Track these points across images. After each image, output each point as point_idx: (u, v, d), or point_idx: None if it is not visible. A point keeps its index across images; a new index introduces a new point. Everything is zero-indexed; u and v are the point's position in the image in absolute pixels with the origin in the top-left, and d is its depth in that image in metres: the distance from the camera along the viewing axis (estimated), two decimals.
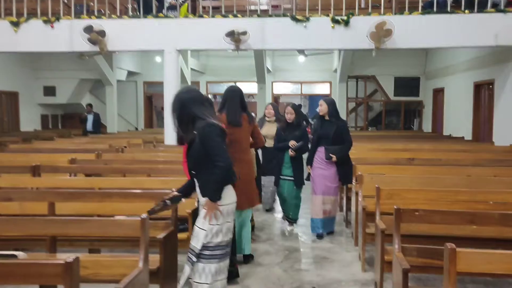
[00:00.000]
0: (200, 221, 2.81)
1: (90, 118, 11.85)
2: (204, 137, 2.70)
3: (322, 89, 15.79)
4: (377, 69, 13.85)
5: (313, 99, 19.99)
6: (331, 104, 5.15)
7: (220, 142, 2.74)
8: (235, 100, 4.01)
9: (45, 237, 3.13)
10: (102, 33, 7.55)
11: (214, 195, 2.75)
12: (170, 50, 7.87)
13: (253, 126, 4.10)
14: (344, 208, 5.99)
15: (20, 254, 2.44)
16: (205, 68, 15.87)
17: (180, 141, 2.84)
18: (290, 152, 5.27)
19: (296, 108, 5.52)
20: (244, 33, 7.54)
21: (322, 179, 5.10)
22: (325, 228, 5.22)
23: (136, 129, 15.50)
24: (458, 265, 2.09)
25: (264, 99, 13.95)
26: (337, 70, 14.08)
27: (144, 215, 2.51)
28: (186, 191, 2.94)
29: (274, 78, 15.52)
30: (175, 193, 2.90)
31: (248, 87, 15.11)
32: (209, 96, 16.12)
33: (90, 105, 12.13)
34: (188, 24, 7.82)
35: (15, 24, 7.77)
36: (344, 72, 13.33)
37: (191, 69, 14.16)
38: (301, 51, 13.38)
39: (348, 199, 5.80)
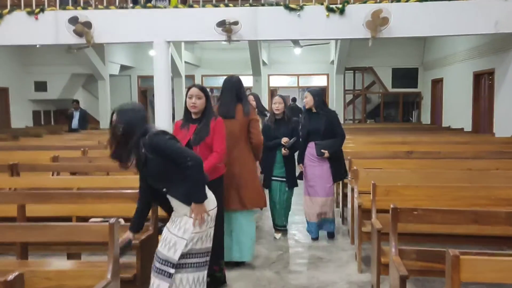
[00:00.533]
0: (181, 230, 2.52)
1: (76, 115, 11.22)
2: (157, 148, 2.39)
3: (319, 81, 15.51)
4: (374, 60, 13.59)
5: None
6: (317, 95, 4.69)
7: (174, 143, 2.47)
8: (229, 90, 3.79)
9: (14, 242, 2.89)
10: (88, 25, 7.27)
11: (200, 196, 2.49)
12: (160, 42, 7.60)
13: (248, 119, 3.75)
14: (341, 205, 5.75)
15: None
16: (200, 61, 15.58)
17: (124, 164, 2.46)
18: (283, 151, 4.72)
19: (285, 99, 4.96)
20: (236, 23, 7.26)
21: (314, 178, 4.65)
22: (321, 229, 4.81)
23: None
24: (462, 273, 1.85)
25: (260, 92, 13.66)
26: (334, 62, 13.80)
27: (113, 219, 2.26)
28: (140, 223, 2.63)
29: (270, 70, 15.24)
30: (126, 237, 2.57)
31: (244, 80, 14.79)
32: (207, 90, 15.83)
33: (76, 102, 11.51)
34: (177, 15, 7.54)
35: None
36: (341, 64, 13.06)
37: (186, 62, 13.86)
38: (296, 42, 13.08)
39: (345, 195, 5.55)
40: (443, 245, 3.75)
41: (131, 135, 2.37)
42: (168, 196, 2.51)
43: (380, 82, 14.01)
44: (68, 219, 3.65)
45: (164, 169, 2.41)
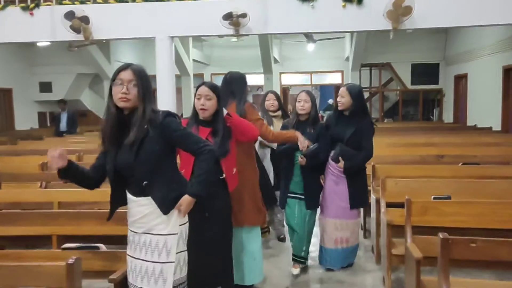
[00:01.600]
0: (163, 253, 2.06)
1: (64, 116, 10.25)
2: (167, 129, 2.10)
3: (334, 78, 14.87)
4: (392, 56, 12.88)
5: (325, 89, 19.09)
6: (358, 97, 3.62)
7: (187, 128, 2.28)
8: (223, 87, 3.26)
9: None
10: (85, 20, 6.75)
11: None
12: (162, 37, 7.05)
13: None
14: (362, 214, 5.13)
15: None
16: (209, 59, 15.05)
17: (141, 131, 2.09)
18: (300, 159, 3.58)
19: (313, 96, 3.79)
20: (244, 15, 6.67)
21: (333, 195, 3.68)
22: (339, 262, 3.82)
23: None
24: None
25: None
26: (349, 58, 13.13)
27: (72, 260, 1.70)
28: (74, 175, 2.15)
29: (282, 68, 14.63)
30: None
31: (255, 79, 14.28)
32: None
33: (63, 102, 10.48)
34: (181, 8, 6.98)
35: None
36: (356, 60, 12.39)
37: (194, 60, 13.34)
38: (310, 37, 12.44)
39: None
40: (498, 274, 3.13)
41: (149, 87, 2.15)
42: (137, 199, 2.13)
43: (399, 79, 13.31)
44: (47, 238, 3.12)
45: (158, 157, 2.10)
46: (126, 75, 2.07)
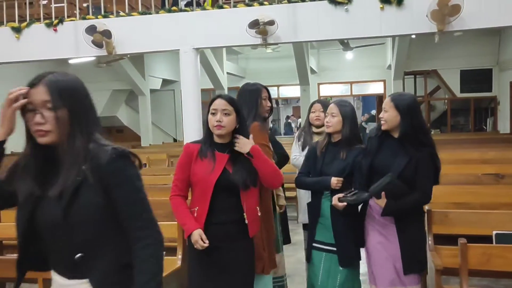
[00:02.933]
0: None
1: None
2: (117, 175, 1.32)
3: (375, 88, 14.09)
4: (439, 62, 11.96)
5: (367, 100, 18.30)
6: (409, 111, 2.44)
7: (143, 189, 1.37)
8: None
9: None
10: (107, 34, 6.52)
11: None
12: (186, 50, 6.69)
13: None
14: None
15: None
16: (244, 72, 14.69)
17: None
18: (334, 201, 2.54)
19: (345, 109, 2.72)
20: (271, 22, 6.19)
21: (383, 252, 2.48)
22: None
23: (175, 140, 14.60)
24: None
25: (309, 103, 12.46)
26: (391, 66, 12.34)
27: None
28: None
29: (320, 79, 14.02)
30: None
31: (292, 91, 13.75)
32: None
33: None
34: (205, 18, 6.61)
35: (17, 30, 6.94)
36: (399, 68, 11.58)
37: (229, 73, 13.02)
38: (346, 45, 11.78)
39: None
40: None
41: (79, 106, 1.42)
42: (67, 283, 1.33)
43: (446, 87, 12.34)
44: None
45: (100, 217, 1.31)
46: (38, 94, 1.33)
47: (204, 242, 2.12)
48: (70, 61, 9.59)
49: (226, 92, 12.26)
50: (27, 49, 6.98)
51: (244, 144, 2.27)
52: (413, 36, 8.86)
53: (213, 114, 2.25)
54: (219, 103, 2.25)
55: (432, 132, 12.53)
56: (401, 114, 2.42)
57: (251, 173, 2.24)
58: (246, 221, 2.21)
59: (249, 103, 2.79)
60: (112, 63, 9.81)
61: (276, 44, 6.75)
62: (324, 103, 3.41)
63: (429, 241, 2.54)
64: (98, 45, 6.62)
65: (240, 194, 2.21)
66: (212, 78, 11.99)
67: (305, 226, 3.22)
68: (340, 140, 2.68)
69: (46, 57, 7.08)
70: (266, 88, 2.93)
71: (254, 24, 6.22)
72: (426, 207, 2.78)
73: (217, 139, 2.29)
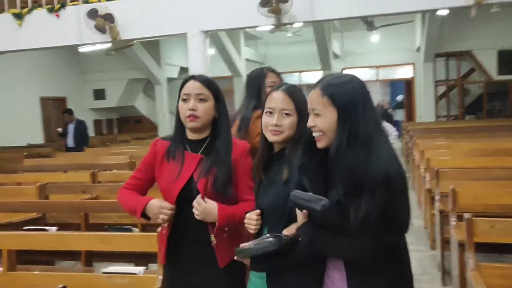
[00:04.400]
0: None
1: (71, 129, 8.32)
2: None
3: (404, 72, 13.29)
4: (473, 42, 11.06)
5: (395, 85, 17.40)
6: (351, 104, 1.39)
7: None
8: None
9: None
10: (109, 18, 6.10)
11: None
12: (194, 33, 6.20)
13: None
14: (438, 242, 3.76)
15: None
16: (264, 58, 14.12)
17: None
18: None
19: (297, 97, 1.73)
20: (285, 0, 5.62)
21: None
22: None
23: None
24: None
25: None
26: (420, 48, 11.53)
27: None
28: None
29: (344, 64, 13.31)
30: None
31: (313, 77, 13.10)
32: None
33: (68, 111, 8.45)
34: None
35: (18, 17, 6.61)
36: (429, 50, 10.78)
37: (247, 60, 12.48)
38: (370, 24, 10.99)
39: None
40: None
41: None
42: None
43: (482, 69, 11.44)
44: None
45: None
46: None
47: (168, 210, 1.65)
48: (80, 50, 9.30)
49: (244, 80, 11.72)
50: (29, 36, 6.65)
51: (205, 213, 1.62)
52: (445, 13, 8.07)
53: (184, 100, 1.71)
54: (192, 86, 1.70)
55: (466, 118, 11.69)
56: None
57: (224, 182, 1.68)
58: (213, 245, 1.67)
59: (250, 90, 2.31)
60: (123, 51, 9.42)
61: (291, 24, 6.16)
62: None
63: (470, 258, 1.98)
64: (101, 30, 6.22)
65: None
66: (229, 65, 11.50)
67: None
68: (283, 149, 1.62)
69: (48, 44, 6.75)
70: (275, 72, 2.38)
71: (266, 2, 5.66)
72: (466, 215, 2.20)
73: (190, 134, 1.76)
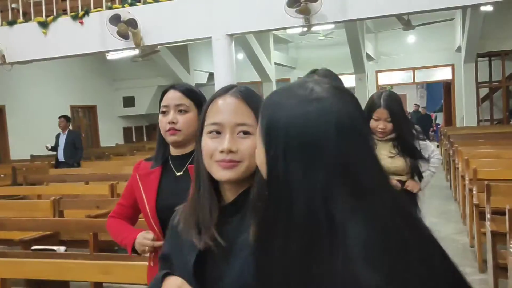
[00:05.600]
0: None
1: (62, 140, 7.04)
2: None
3: (442, 74, 12.62)
4: None
5: (432, 87, 16.71)
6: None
7: None
8: None
9: None
10: (132, 23, 5.92)
11: None
12: (219, 37, 5.94)
13: None
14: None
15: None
16: (295, 62, 13.79)
17: None
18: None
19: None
20: None
21: None
22: None
23: None
24: None
25: (366, 94, 11.31)
26: (461, 47, 10.87)
27: None
28: None
29: (378, 66, 12.81)
30: None
31: (347, 81, 12.62)
32: None
33: (65, 118, 7.21)
34: (239, 0, 5.82)
35: (44, 25, 6.56)
36: (471, 50, 10.12)
37: (277, 64, 12.17)
38: (407, 23, 10.43)
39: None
40: None
41: None
42: None
43: None
44: None
45: None
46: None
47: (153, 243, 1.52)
48: (108, 57, 9.24)
49: (274, 85, 11.42)
50: (55, 45, 6.57)
51: None
52: (489, 9, 7.48)
53: (164, 113, 1.55)
54: (172, 97, 1.54)
55: None
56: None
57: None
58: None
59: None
60: (150, 57, 9.30)
61: (321, 24, 5.79)
62: (391, 107, 2.32)
63: None
64: (124, 36, 6.05)
65: None
66: (258, 70, 11.23)
67: None
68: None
69: (73, 52, 6.66)
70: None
71: (294, 2, 5.33)
72: None
73: (173, 150, 1.59)
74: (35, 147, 9.31)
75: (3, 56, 6.68)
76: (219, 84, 6.08)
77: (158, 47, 7.79)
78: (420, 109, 13.25)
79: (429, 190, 7.10)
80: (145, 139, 14.04)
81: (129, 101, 12.90)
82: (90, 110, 12.03)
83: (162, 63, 10.96)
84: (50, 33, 6.59)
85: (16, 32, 6.75)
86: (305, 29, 9.69)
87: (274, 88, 11.43)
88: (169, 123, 1.50)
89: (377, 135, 2.38)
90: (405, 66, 12.66)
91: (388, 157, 2.37)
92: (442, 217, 5.57)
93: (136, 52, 8.63)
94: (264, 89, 11.58)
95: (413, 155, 2.34)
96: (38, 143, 9.55)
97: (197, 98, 1.56)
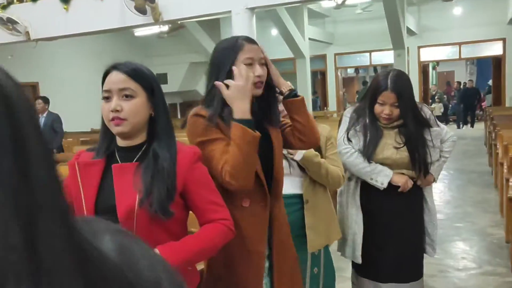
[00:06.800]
0: None
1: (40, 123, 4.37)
2: None
3: (492, 49, 11.65)
4: None
5: (482, 63, 15.61)
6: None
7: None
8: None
9: None
10: None
11: None
12: (239, 11, 5.62)
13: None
14: None
15: None
16: (332, 38, 13.17)
17: None
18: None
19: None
20: None
21: None
22: None
23: None
24: None
25: (405, 71, 10.62)
26: None
27: None
28: None
29: (421, 41, 12.00)
30: None
31: (386, 57, 11.95)
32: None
33: (43, 99, 6.51)
34: None
35: (65, 1, 6.46)
36: None
37: (311, 39, 11.63)
38: None
39: None
40: None
41: None
42: None
43: None
44: None
45: None
46: None
47: None
48: (136, 34, 9.18)
49: (307, 61, 10.93)
50: (76, 21, 6.49)
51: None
52: None
53: (106, 99, 1.29)
54: (114, 80, 1.28)
55: None
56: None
57: (163, 200, 1.22)
58: None
59: (215, 68, 1.54)
60: (175, 33, 9.11)
61: None
62: (398, 88, 1.96)
63: None
64: (142, 11, 5.86)
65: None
66: (291, 46, 10.76)
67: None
68: None
69: (94, 28, 6.55)
70: (253, 42, 1.58)
71: None
72: None
73: (120, 141, 1.33)
74: (70, 124, 9.47)
75: (28, 32, 6.69)
76: None
77: (181, 22, 7.55)
78: (467, 82, 12.44)
79: (466, 175, 6.63)
80: (179, 116, 14.04)
81: (162, 78, 12.83)
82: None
83: (192, 39, 10.76)
84: (71, 9, 6.49)
85: (39, 8, 6.71)
86: (339, 1, 9.19)
87: (308, 64, 10.99)
88: (112, 111, 1.26)
89: (381, 121, 2.03)
90: (451, 41, 11.77)
91: (393, 147, 2.02)
92: (479, 206, 5.12)
93: (164, 28, 8.49)
94: (297, 66, 11.13)
95: (417, 147, 1.98)
96: (71, 121, 9.71)
97: (146, 80, 1.30)
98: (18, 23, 6.59)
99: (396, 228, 2.04)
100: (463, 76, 16.23)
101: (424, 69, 12.42)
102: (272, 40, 12.43)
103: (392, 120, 2.01)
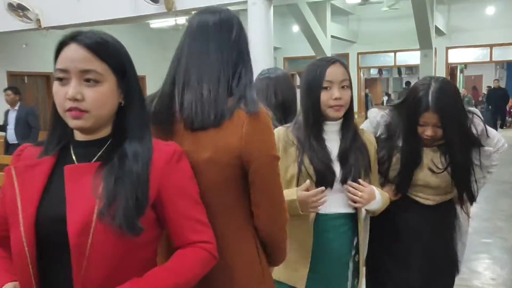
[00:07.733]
0: None
1: (11, 118, 5.71)
2: None
3: None
4: None
5: None
6: None
7: None
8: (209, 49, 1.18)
9: None
10: None
11: None
12: (255, 1, 5.31)
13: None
14: None
15: None
16: (355, 36, 12.72)
17: None
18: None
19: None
20: None
21: None
22: None
23: None
24: None
25: (432, 72, 10.09)
26: None
27: None
28: None
29: (450, 41, 11.46)
30: None
31: (411, 57, 11.45)
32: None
33: (12, 90, 5.81)
34: None
35: None
36: None
37: (334, 37, 11.21)
38: None
39: None
40: None
41: None
42: None
43: None
44: None
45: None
46: None
47: None
48: (152, 25, 8.98)
49: None
50: (88, 10, 6.31)
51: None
52: None
53: (61, 81, 0.95)
54: (73, 57, 0.94)
55: None
56: None
57: (129, 211, 0.91)
58: None
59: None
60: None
61: None
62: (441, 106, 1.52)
63: None
64: (154, 0, 5.61)
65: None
66: (312, 43, 10.38)
67: None
68: None
69: (105, 17, 6.34)
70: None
71: None
72: None
73: (78, 134, 1.00)
74: None
75: (39, 20, 6.52)
76: (255, 53, 5.45)
77: (193, 12, 7.28)
78: (493, 82, 11.88)
79: (497, 186, 6.14)
80: None
81: None
82: (140, 81, 11.85)
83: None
84: None
85: None
86: None
87: None
88: (70, 99, 0.93)
89: (423, 140, 1.62)
90: (481, 42, 11.22)
91: (428, 168, 1.62)
92: (511, 221, 4.69)
93: (180, 21, 8.27)
94: None
95: (462, 173, 1.58)
96: None
97: (116, 58, 0.97)
98: (29, 9, 6.41)
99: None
100: (492, 81, 15.59)
101: (452, 71, 11.89)
102: (293, 37, 12.07)
103: (436, 141, 1.61)
